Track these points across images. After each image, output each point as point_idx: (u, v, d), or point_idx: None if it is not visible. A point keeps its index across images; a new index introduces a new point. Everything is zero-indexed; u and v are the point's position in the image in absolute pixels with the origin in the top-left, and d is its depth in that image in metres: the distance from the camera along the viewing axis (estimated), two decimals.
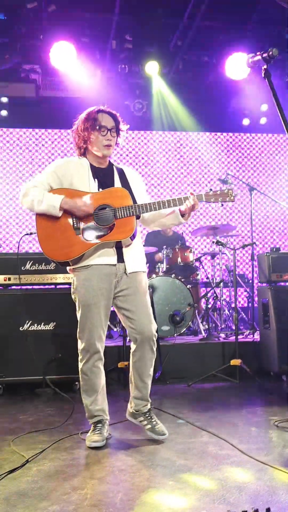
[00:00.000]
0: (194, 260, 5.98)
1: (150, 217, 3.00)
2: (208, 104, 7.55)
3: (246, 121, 7.93)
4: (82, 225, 2.81)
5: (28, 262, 4.35)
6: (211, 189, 2.88)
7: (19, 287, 4.36)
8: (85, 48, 6.22)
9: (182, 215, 2.92)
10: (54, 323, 4.29)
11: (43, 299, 4.32)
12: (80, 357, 2.93)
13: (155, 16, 5.89)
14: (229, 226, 6.25)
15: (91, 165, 2.93)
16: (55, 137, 7.90)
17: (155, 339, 2.93)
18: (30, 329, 4.25)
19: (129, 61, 6.50)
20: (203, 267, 6.52)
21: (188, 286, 5.36)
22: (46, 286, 4.40)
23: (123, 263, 2.85)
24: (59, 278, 4.36)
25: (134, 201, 2.85)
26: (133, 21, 6.00)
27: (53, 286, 4.42)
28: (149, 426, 2.89)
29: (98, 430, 2.86)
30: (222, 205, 2.91)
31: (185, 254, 5.86)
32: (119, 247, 2.85)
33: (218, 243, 5.14)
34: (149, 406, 2.98)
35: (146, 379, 2.96)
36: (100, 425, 2.89)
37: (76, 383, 4.24)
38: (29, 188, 2.82)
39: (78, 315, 2.90)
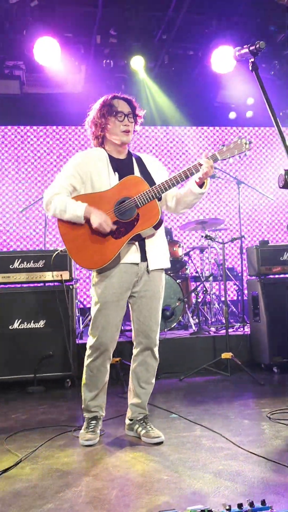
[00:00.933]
0: (183, 255, 5.98)
1: (174, 200, 2.84)
2: (194, 98, 7.53)
3: (232, 115, 7.92)
4: None
5: (17, 260, 4.33)
6: (223, 145, 2.67)
7: (7, 286, 4.35)
8: (69, 44, 6.16)
9: (201, 185, 2.72)
10: (44, 321, 4.27)
11: (33, 297, 4.30)
12: (88, 353, 2.84)
13: (140, 10, 5.85)
14: (218, 220, 6.26)
15: (110, 157, 2.82)
16: (41, 134, 7.84)
17: (157, 348, 2.91)
18: (20, 327, 4.23)
19: (114, 55, 6.45)
20: (192, 262, 6.53)
21: (177, 281, 5.36)
22: (35, 284, 4.38)
23: (145, 262, 2.75)
24: (48, 275, 4.33)
25: (153, 185, 2.70)
26: (117, 15, 5.95)
27: (42, 284, 4.40)
28: (143, 431, 2.81)
29: (92, 428, 2.83)
30: (240, 157, 2.66)
31: (174, 249, 5.86)
32: (141, 241, 2.75)
33: (207, 237, 5.15)
34: (145, 414, 2.91)
35: (145, 385, 2.90)
36: (94, 422, 2.86)
37: (68, 380, 4.23)
38: (52, 196, 2.73)
39: (93, 310, 2.80)
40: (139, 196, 2.65)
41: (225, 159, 2.67)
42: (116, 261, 2.70)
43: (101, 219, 2.64)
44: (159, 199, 2.74)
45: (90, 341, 2.83)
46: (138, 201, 2.65)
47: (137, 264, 2.75)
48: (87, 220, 2.68)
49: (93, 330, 2.80)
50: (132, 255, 2.73)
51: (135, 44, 6.32)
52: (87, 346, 2.85)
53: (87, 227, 2.71)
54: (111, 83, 6.74)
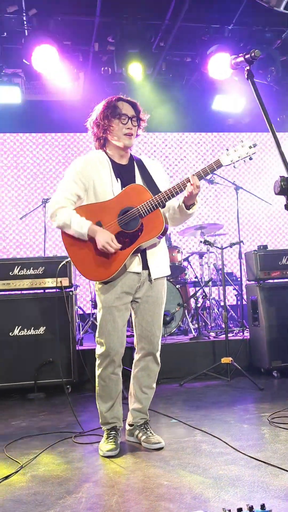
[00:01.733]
0: (182, 260, 6.00)
1: (170, 214, 2.81)
2: (191, 104, 7.58)
3: (230, 121, 7.96)
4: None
5: (17, 267, 4.34)
6: (227, 149, 2.61)
7: (7, 292, 4.36)
8: (67, 51, 6.20)
9: (189, 206, 2.69)
10: (44, 327, 4.28)
11: (33, 304, 4.31)
12: (98, 362, 2.79)
13: (137, 18, 5.89)
14: (216, 225, 6.28)
15: (112, 162, 2.77)
16: (40, 141, 7.87)
17: (159, 353, 2.89)
18: (20, 334, 4.24)
19: (112, 63, 6.48)
20: (191, 267, 6.54)
21: (177, 286, 5.38)
22: (35, 291, 4.39)
23: (147, 270, 2.73)
24: (48, 282, 4.35)
25: (157, 192, 2.64)
26: (115, 23, 6.00)
27: (42, 291, 4.41)
28: (144, 437, 2.81)
29: (112, 438, 2.76)
30: (245, 161, 2.60)
31: (173, 254, 5.88)
32: (143, 251, 2.71)
33: (205, 242, 5.16)
34: (146, 419, 2.91)
35: (147, 390, 2.90)
36: (114, 432, 2.80)
37: (68, 386, 4.23)
38: (57, 210, 2.68)
39: (98, 317, 2.76)
40: (142, 205, 2.61)
41: (229, 165, 2.62)
42: (121, 272, 2.67)
43: (106, 240, 2.59)
44: (163, 207, 2.68)
45: (98, 349, 2.78)
46: (142, 210, 2.61)
47: (139, 273, 2.73)
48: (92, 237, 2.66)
49: (100, 337, 2.75)
50: (133, 263, 2.71)
51: (132, 52, 6.34)
52: (96, 355, 2.79)
53: (91, 241, 2.67)
54: (109, 90, 6.78)
